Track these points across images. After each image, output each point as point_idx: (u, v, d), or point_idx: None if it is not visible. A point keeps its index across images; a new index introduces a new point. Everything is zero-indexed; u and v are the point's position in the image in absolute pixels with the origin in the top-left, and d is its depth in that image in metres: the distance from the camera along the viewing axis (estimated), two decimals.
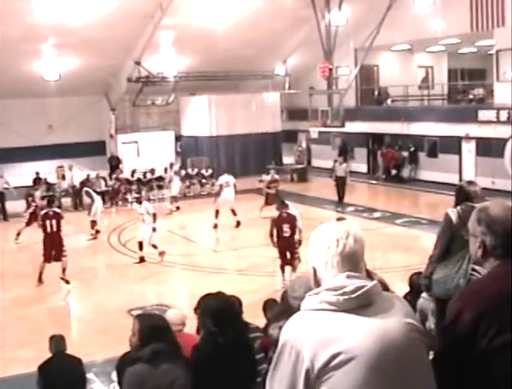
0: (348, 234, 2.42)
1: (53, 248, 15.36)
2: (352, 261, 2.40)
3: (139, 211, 17.96)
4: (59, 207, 25.84)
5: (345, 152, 33.15)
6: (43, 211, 16.04)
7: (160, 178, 28.56)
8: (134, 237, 20.50)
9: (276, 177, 24.09)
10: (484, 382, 2.46)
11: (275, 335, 4.42)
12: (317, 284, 2.45)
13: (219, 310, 4.93)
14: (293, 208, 14.67)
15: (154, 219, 17.55)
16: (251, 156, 32.54)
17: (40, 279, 15.22)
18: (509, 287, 2.51)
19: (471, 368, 2.46)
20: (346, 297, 2.32)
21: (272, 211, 21.87)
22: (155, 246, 17.32)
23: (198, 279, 15.34)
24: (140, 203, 18.45)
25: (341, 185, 24.33)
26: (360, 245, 2.43)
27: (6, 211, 25.26)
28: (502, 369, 2.42)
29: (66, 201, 26.51)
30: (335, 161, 25.66)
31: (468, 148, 26.97)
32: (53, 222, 15.41)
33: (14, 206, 25.71)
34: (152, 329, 4.82)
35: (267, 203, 21.79)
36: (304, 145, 35.77)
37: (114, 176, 28.20)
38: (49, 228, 15.35)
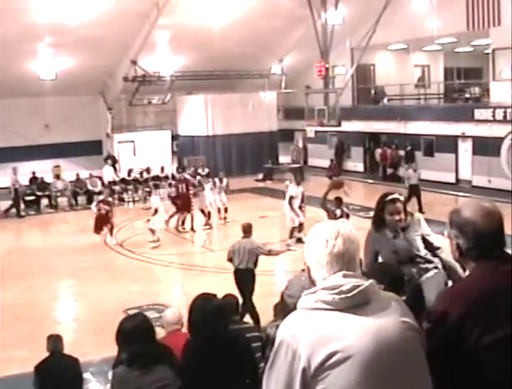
0: (338, 234, 2.43)
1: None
2: (342, 261, 2.41)
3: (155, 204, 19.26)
4: (55, 206, 26.03)
5: (341, 151, 33.21)
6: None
7: (157, 178, 28.55)
8: (131, 236, 20.56)
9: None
10: (474, 381, 2.47)
11: (271, 333, 4.43)
12: (313, 283, 2.47)
13: (202, 310, 4.96)
14: None
15: (155, 213, 18.78)
16: (248, 155, 32.56)
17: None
18: (489, 287, 2.52)
19: (461, 368, 2.47)
20: (342, 295, 2.32)
21: (269, 211, 21.95)
22: (153, 231, 18.71)
23: (195, 278, 15.35)
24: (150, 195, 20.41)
25: (417, 194, 21.86)
26: (350, 245, 2.44)
27: (19, 208, 25.22)
28: (492, 366, 2.44)
29: (62, 200, 26.47)
30: (408, 168, 23.33)
31: (464, 147, 27.00)
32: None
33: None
34: (132, 331, 4.83)
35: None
36: (300, 144, 35.80)
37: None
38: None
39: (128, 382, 4.65)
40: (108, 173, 27.90)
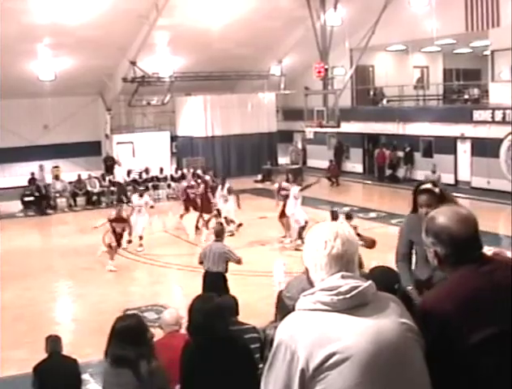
0: (336, 236, 2.43)
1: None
2: (340, 262, 2.41)
3: (138, 202, 19.09)
4: (54, 207, 26.01)
5: (341, 153, 33.22)
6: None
7: (156, 179, 28.54)
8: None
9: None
10: (464, 381, 2.47)
11: (270, 334, 4.42)
12: (311, 284, 2.47)
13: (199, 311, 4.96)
14: None
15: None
16: (247, 156, 32.56)
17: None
18: (471, 287, 2.53)
19: (448, 370, 2.48)
20: (341, 297, 2.33)
21: (268, 212, 21.93)
22: (141, 237, 18.61)
23: (194, 279, 15.31)
24: (141, 195, 19.63)
25: None
26: (349, 246, 2.44)
27: (44, 206, 25.44)
28: (480, 366, 2.45)
29: (62, 201, 26.46)
30: (432, 171, 22.25)
31: (463, 148, 27.01)
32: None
33: (10, 206, 25.72)
34: (119, 331, 4.89)
35: None
36: (299, 145, 35.80)
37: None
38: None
39: (109, 380, 4.97)
40: (119, 174, 27.88)
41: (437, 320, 2.49)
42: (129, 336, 4.85)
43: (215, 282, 11.38)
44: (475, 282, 2.54)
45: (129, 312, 12.85)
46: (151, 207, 20.65)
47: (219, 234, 12.16)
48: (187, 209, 21.15)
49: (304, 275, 2.67)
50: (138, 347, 4.85)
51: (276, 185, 19.95)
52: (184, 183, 22.60)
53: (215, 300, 5.18)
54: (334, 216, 14.54)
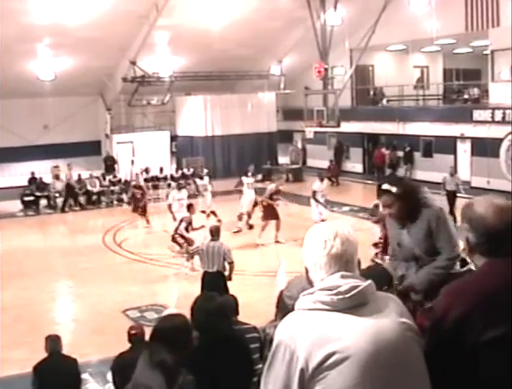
0: (336, 235, 2.42)
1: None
2: (340, 262, 2.41)
3: (179, 196, 18.42)
4: (54, 207, 26.02)
5: (341, 152, 33.22)
6: None
7: (156, 178, 28.53)
8: (129, 237, 20.57)
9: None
10: (474, 379, 2.46)
11: (270, 333, 4.42)
12: (311, 283, 2.47)
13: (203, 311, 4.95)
14: None
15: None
16: (246, 156, 32.51)
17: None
18: (497, 283, 2.50)
19: (462, 363, 2.46)
20: (340, 296, 2.32)
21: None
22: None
23: (194, 279, 15.31)
24: (180, 188, 19.10)
25: (451, 201, 19.91)
26: (349, 246, 2.43)
27: (63, 204, 25.97)
28: (492, 364, 2.43)
29: (61, 201, 26.44)
30: (451, 174, 20.91)
31: (463, 148, 27.02)
32: None
33: (9, 206, 25.73)
34: (162, 333, 4.62)
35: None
36: (299, 145, 35.81)
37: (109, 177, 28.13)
38: None
39: (137, 376, 4.50)
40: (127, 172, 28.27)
41: (454, 313, 2.46)
42: (171, 339, 4.45)
43: (214, 282, 11.34)
44: (501, 279, 2.50)
45: (129, 313, 12.90)
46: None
47: (215, 233, 12.15)
48: (135, 209, 21.59)
49: (302, 274, 2.67)
50: (179, 351, 4.46)
51: (272, 186, 19.52)
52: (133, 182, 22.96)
53: (217, 299, 5.19)
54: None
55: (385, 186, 4.92)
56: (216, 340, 4.85)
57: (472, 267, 2.92)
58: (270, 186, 19.48)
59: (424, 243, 4.79)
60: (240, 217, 20.44)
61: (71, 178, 26.34)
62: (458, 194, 20.20)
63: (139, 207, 21.73)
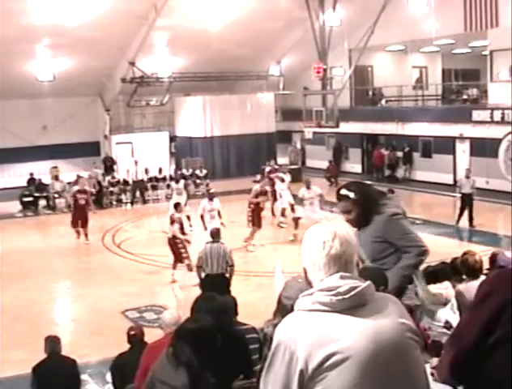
0: (335, 236, 2.42)
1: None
2: (339, 263, 2.41)
3: (214, 206, 17.04)
4: (53, 207, 26.01)
5: (339, 153, 33.22)
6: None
7: (155, 179, 28.52)
8: (129, 237, 20.55)
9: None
10: (500, 366, 2.43)
11: (269, 332, 4.42)
12: (310, 284, 2.47)
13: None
14: None
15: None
16: (246, 156, 32.55)
17: None
18: None
19: (490, 351, 2.42)
20: (339, 297, 2.32)
21: (267, 212, 21.91)
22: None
23: (193, 279, 15.30)
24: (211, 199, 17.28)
25: (469, 205, 19.35)
26: (347, 246, 2.43)
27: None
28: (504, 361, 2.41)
29: (60, 202, 26.44)
30: (466, 176, 20.12)
31: (462, 148, 27.02)
32: None
33: (8, 207, 25.70)
34: (188, 334, 4.50)
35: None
36: (298, 145, 35.80)
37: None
38: None
39: (158, 375, 4.50)
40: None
41: (498, 298, 2.42)
42: (197, 339, 4.42)
43: (217, 285, 11.22)
44: None
45: (128, 313, 12.90)
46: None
47: (216, 235, 12.12)
48: (74, 222, 19.75)
49: (301, 275, 2.67)
50: (203, 351, 4.42)
51: (257, 187, 19.24)
52: (75, 187, 21.11)
53: (217, 298, 5.21)
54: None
55: (343, 192, 4.89)
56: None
57: None
58: (255, 187, 19.27)
59: (369, 248, 4.80)
60: (283, 214, 20.47)
61: (97, 176, 26.67)
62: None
63: (80, 219, 19.70)
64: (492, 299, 2.44)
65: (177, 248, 15.14)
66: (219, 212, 17.06)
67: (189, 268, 14.64)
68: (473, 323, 2.47)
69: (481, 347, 2.42)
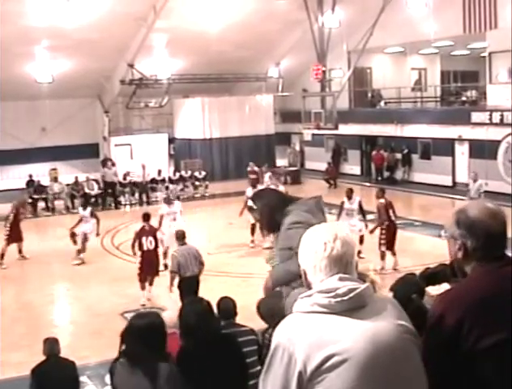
0: (336, 237, 2.42)
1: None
2: (340, 264, 2.40)
3: (174, 209, 16.96)
4: (52, 209, 26.00)
5: (338, 155, 33.24)
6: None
7: (154, 181, 28.52)
8: (128, 239, 20.50)
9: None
10: (471, 384, 2.46)
11: (268, 336, 4.43)
12: (308, 286, 2.46)
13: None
14: None
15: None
16: (244, 158, 32.52)
17: None
18: (491, 290, 2.50)
19: (457, 372, 2.46)
20: (338, 299, 2.32)
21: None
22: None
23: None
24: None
25: None
26: (348, 248, 2.43)
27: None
28: (488, 371, 2.43)
29: (59, 204, 26.44)
30: (474, 180, 19.90)
31: (461, 150, 27.04)
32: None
33: (6, 209, 25.63)
34: (139, 330, 4.72)
35: None
36: (297, 147, 35.82)
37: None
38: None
39: (117, 381, 4.66)
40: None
41: (449, 321, 2.46)
42: (149, 335, 4.55)
43: (192, 285, 11.47)
44: (493, 284, 2.51)
45: (127, 316, 12.87)
46: None
47: (183, 237, 12.16)
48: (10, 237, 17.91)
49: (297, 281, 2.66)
50: (157, 348, 4.58)
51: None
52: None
53: (204, 301, 5.23)
54: None
55: (249, 203, 4.99)
56: (208, 342, 4.87)
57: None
58: (248, 189, 19.50)
59: (279, 254, 4.80)
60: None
61: (116, 175, 27.26)
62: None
63: (17, 233, 17.99)
64: (447, 318, 2.47)
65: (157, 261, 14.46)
66: (180, 213, 17.00)
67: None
68: (431, 344, 2.49)
69: (452, 366, 2.45)
